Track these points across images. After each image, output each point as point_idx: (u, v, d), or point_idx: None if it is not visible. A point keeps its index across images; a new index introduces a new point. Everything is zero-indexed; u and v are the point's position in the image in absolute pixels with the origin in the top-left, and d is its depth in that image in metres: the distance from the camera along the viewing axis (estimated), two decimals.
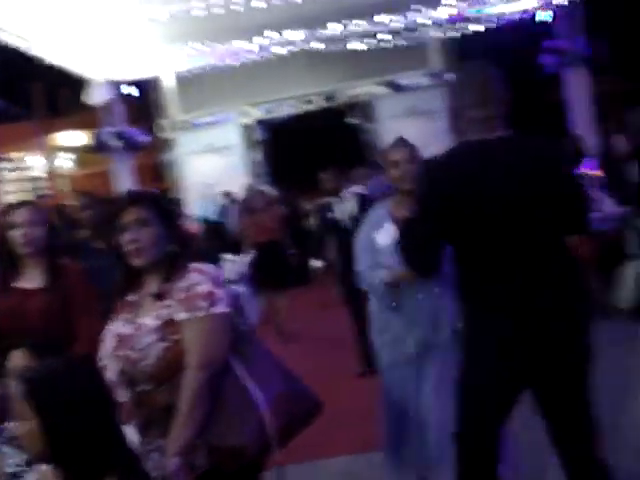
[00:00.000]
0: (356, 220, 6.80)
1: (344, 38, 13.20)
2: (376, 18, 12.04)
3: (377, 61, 15.51)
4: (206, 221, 14.05)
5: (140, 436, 2.53)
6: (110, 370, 2.50)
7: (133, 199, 2.68)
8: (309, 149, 18.69)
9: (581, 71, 13.33)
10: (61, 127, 23.01)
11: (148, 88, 16.75)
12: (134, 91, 14.64)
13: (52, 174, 23.38)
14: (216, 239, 12.26)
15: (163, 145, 17.51)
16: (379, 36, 13.66)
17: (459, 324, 3.09)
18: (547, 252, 2.84)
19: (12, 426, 2.77)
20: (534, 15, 13.09)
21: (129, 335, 2.57)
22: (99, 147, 14.13)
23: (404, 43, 14.47)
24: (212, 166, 16.95)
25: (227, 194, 15.20)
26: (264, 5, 9.18)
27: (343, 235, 7.01)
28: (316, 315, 10.19)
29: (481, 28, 13.89)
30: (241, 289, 9.18)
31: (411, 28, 13.16)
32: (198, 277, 2.56)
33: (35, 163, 23.23)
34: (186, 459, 2.40)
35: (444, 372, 3.54)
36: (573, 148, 9.86)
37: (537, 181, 2.79)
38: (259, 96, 16.79)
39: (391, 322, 3.83)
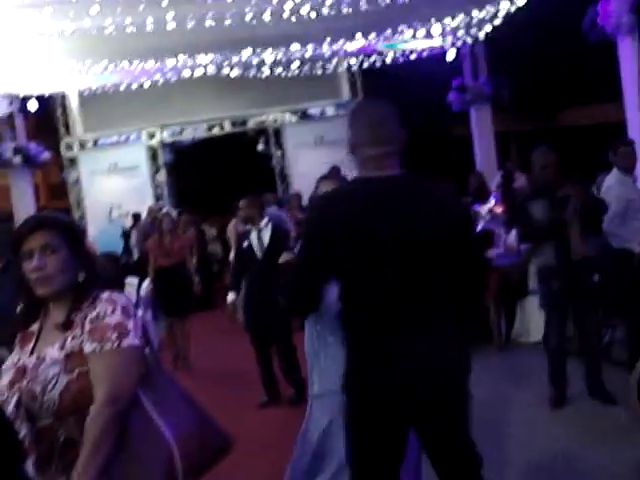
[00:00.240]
0: (268, 252, 6.76)
1: (256, 65, 13.20)
2: (290, 47, 12.06)
3: (288, 89, 15.60)
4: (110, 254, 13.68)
5: (38, 473, 2.38)
6: (10, 404, 2.35)
7: (39, 223, 2.52)
8: (215, 173, 18.58)
9: (484, 109, 13.77)
10: None
11: (52, 104, 16.32)
12: (35, 106, 14.15)
13: None
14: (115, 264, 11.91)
15: (66, 163, 17.02)
16: (293, 65, 13.73)
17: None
18: (428, 295, 2.81)
19: None
20: (445, 53, 13.45)
21: (31, 367, 2.42)
22: None
23: (316, 73, 14.60)
24: (116, 187, 16.61)
25: (135, 215, 14.82)
26: (178, 28, 9.02)
27: (255, 265, 6.94)
28: (218, 342, 10.04)
29: (392, 62, 14.14)
30: (141, 313, 8.95)
31: (323, 58, 13.28)
32: (107, 307, 2.43)
33: None
34: None
35: None
36: (477, 184, 10.17)
37: (425, 223, 2.77)
38: (166, 118, 16.58)
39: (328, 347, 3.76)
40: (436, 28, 11.52)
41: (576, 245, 5.75)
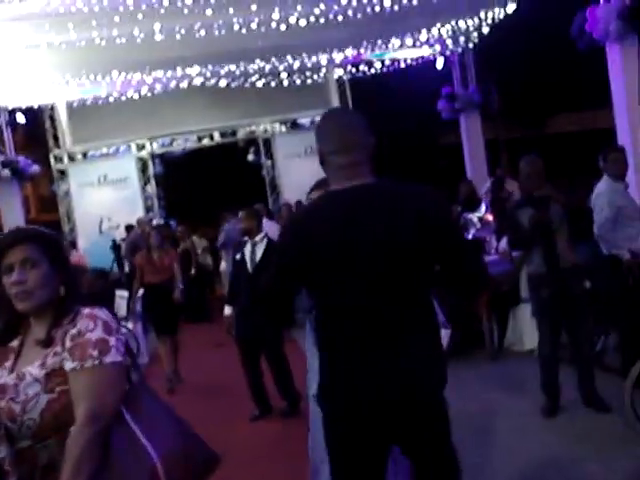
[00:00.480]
0: (259, 266, 6.71)
1: (244, 75, 13.19)
2: (277, 58, 12.06)
3: (277, 99, 15.61)
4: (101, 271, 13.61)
5: None
6: None
7: (19, 237, 2.46)
8: (205, 184, 18.57)
9: (474, 116, 13.79)
10: None
11: (40, 116, 16.28)
12: (24, 119, 14.12)
13: None
14: (106, 279, 11.84)
15: (55, 175, 16.96)
16: (282, 75, 13.73)
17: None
18: (406, 305, 2.75)
19: None
20: (434, 61, 13.47)
21: (10, 385, 2.36)
22: None
23: (305, 82, 14.61)
24: (106, 199, 16.57)
25: (128, 227, 14.70)
26: (166, 39, 9.00)
27: (245, 278, 6.89)
28: (212, 354, 9.97)
29: (381, 71, 14.16)
30: (131, 326, 8.88)
31: (312, 68, 13.28)
32: (89, 323, 2.36)
33: None
34: None
35: None
36: (467, 192, 10.16)
37: (402, 230, 2.70)
38: (156, 129, 16.55)
39: None
40: (424, 37, 11.52)
41: (564, 252, 5.74)
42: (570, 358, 6.14)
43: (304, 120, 16.60)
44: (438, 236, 2.74)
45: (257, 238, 6.88)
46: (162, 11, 7.82)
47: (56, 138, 16.73)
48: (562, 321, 5.90)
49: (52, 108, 16.15)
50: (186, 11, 7.91)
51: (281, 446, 6.19)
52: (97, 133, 16.19)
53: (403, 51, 12.87)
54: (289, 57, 11.65)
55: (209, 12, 8.10)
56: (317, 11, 8.84)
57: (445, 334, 3.20)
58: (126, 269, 13.37)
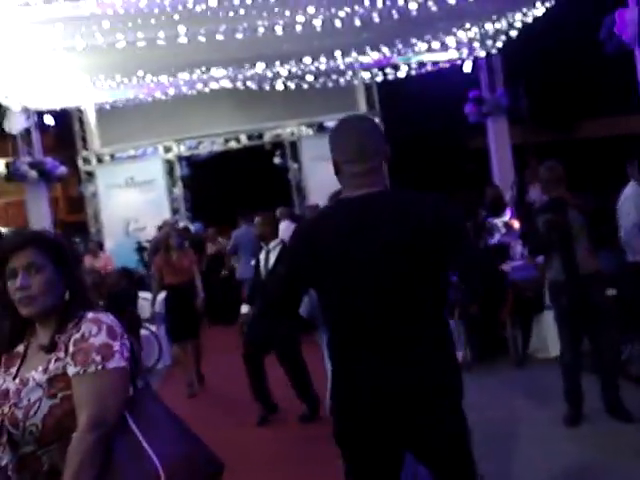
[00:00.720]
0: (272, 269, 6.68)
1: (270, 78, 13.20)
2: (304, 60, 12.05)
3: (304, 102, 15.61)
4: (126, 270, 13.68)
5: None
6: None
7: (23, 241, 2.44)
8: (232, 187, 18.60)
9: (501, 120, 13.67)
10: None
11: (69, 119, 16.44)
12: (53, 121, 14.28)
13: None
14: (131, 278, 11.90)
15: (83, 177, 17.11)
16: (308, 78, 13.72)
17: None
18: (416, 311, 2.72)
19: None
20: (461, 65, 13.38)
21: (13, 391, 2.35)
22: (13, 176, 13.69)
23: (331, 85, 14.59)
24: (133, 200, 16.67)
25: (160, 228, 14.74)
26: (190, 42, 9.02)
27: (259, 284, 6.89)
28: (235, 357, 9.95)
29: (408, 74, 14.09)
30: (154, 328, 8.91)
31: (338, 71, 13.26)
32: (92, 328, 2.34)
33: None
34: None
35: None
36: (492, 197, 10.06)
37: (408, 240, 2.67)
38: (183, 132, 16.63)
39: None
40: (451, 40, 11.44)
41: (584, 259, 5.64)
42: (594, 366, 6.03)
43: (331, 123, 16.48)
44: (448, 243, 2.71)
45: (272, 244, 6.88)
46: (186, 14, 7.83)
47: (84, 140, 16.87)
48: (584, 328, 5.81)
49: (81, 111, 16.27)
50: (209, 14, 7.93)
51: (301, 450, 6.16)
52: (125, 135, 16.31)
53: (430, 54, 12.79)
54: (315, 60, 11.61)
55: (232, 15, 8.09)
56: (342, 14, 8.80)
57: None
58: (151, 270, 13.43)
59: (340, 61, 12.06)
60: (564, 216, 5.61)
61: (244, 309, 7.12)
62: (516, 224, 8.80)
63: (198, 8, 7.78)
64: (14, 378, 2.40)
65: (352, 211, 2.75)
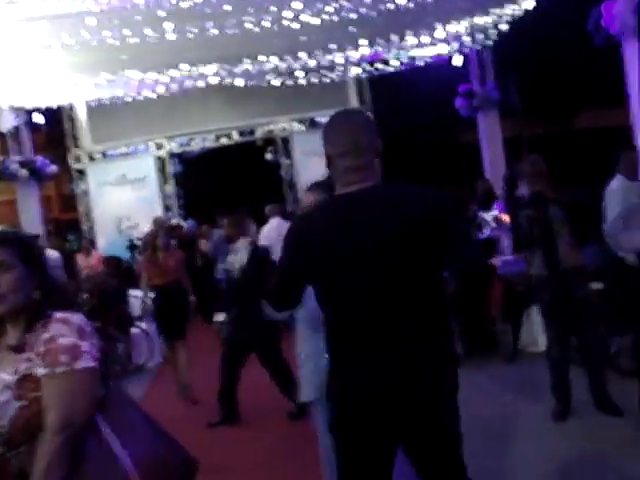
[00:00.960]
0: (248, 275, 6.70)
1: (263, 74, 13.16)
2: (294, 56, 12.00)
3: (295, 98, 15.57)
4: (114, 258, 13.64)
5: None
6: None
7: None
8: (224, 183, 18.57)
9: (492, 114, 13.65)
10: None
11: (60, 117, 16.38)
12: (43, 119, 14.23)
13: None
14: (120, 274, 11.84)
15: (75, 175, 17.06)
16: (297, 73, 13.67)
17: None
18: (413, 305, 2.73)
19: None
20: (450, 59, 13.34)
21: None
22: (3, 175, 13.64)
23: (322, 81, 14.54)
24: (125, 198, 16.62)
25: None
26: (178, 39, 8.97)
27: (233, 286, 6.89)
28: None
29: (399, 69, 14.06)
30: (145, 326, 8.86)
31: (329, 67, 13.22)
32: (61, 328, 2.32)
33: None
34: None
35: None
36: (483, 191, 10.05)
37: (406, 234, 2.68)
38: (175, 129, 16.58)
39: None
40: (441, 34, 11.40)
41: (566, 254, 5.63)
42: (581, 360, 6.03)
43: (322, 119, 16.44)
44: (445, 236, 2.74)
45: (240, 244, 6.92)
46: (172, 10, 7.78)
47: (75, 138, 16.80)
48: (569, 323, 5.80)
49: (71, 108, 16.21)
50: (197, 10, 7.89)
51: (287, 449, 6.15)
52: (116, 133, 16.26)
53: (420, 49, 12.76)
54: (305, 56, 11.56)
55: (221, 11, 8.04)
56: (330, 9, 8.76)
57: None
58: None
59: (330, 57, 12.01)
60: (545, 211, 5.60)
61: (218, 317, 7.13)
62: (506, 218, 8.77)
63: (184, 4, 7.73)
64: None
65: (343, 208, 2.76)
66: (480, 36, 12.07)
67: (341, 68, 13.78)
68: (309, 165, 16.09)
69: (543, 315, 5.97)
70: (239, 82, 13.36)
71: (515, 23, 11.67)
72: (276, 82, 13.65)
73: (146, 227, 14.02)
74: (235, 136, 16.97)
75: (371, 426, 2.75)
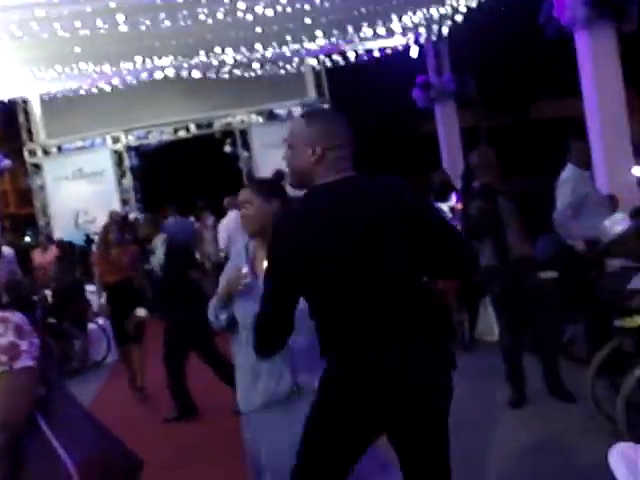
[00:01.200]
0: (166, 271, 6.67)
1: (219, 66, 13.06)
2: (250, 47, 11.91)
3: (253, 90, 15.50)
4: (67, 243, 13.40)
5: None
6: None
7: None
8: (182, 176, 18.46)
9: (449, 105, 13.72)
10: None
11: (14, 110, 16.12)
12: None
13: None
14: (74, 261, 11.60)
15: (30, 169, 16.81)
16: (255, 65, 13.60)
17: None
18: (401, 298, 2.76)
19: None
20: (407, 51, 13.36)
21: None
22: None
23: (280, 73, 14.50)
24: (82, 192, 16.44)
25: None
26: (131, 30, 8.84)
27: (155, 285, 6.88)
28: None
29: (356, 61, 14.05)
30: (102, 322, 8.72)
31: (285, 58, 13.17)
32: None
33: None
34: None
35: None
36: (439, 181, 10.10)
37: (390, 222, 2.74)
38: (132, 122, 16.41)
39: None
40: (397, 26, 11.42)
41: (515, 244, 5.69)
42: (535, 348, 6.10)
43: (281, 111, 16.50)
44: (425, 225, 2.80)
45: (157, 242, 6.90)
46: (125, 1, 7.65)
47: (30, 132, 16.55)
48: (520, 312, 5.86)
49: (25, 102, 15.96)
50: (148, 1, 7.78)
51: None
52: (71, 126, 16.04)
53: (377, 41, 12.77)
54: (260, 47, 11.49)
55: (173, 2, 7.95)
56: (284, 0, 8.72)
57: None
58: None
59: (287, 48, 11.96)
60: (494, 203, 5.64)
61: (140, 312, 7.12)
62: (459, 207, 8.84)
63: None
64: None
65: (338, 195, 2.79)
66: (436, 27, 12.11)
67: (298, 60, 13.73)
68: (268, 157, 16.03)
69: (494, 305, 6.03)
70: (196, 74, 13.25)
71: (470, 15, 11.70)
72: (233, 74, 13.54)
73: (103, 221, 13.90)
74: (193, 129, 16.86)
75: (355, 419, 2.76)
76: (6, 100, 13.97)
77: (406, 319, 2.75)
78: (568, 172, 6.36)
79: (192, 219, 14.22)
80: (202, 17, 8.60)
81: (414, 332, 2.76)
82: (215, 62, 12.17)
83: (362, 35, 11.85)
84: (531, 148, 21.04)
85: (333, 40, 11.75)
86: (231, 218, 11.30)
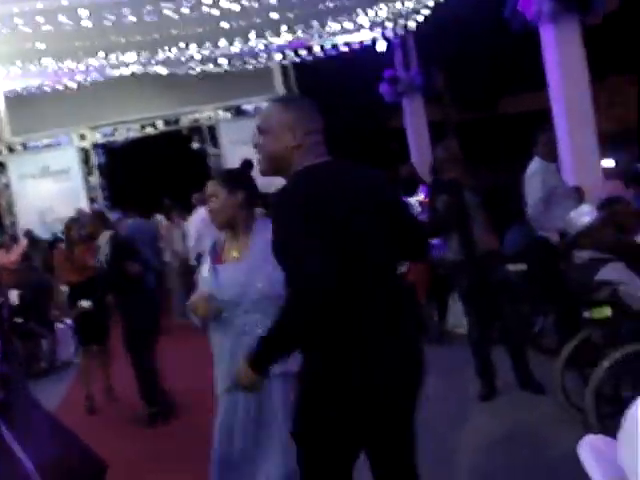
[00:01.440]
0: (110, 265, 6.62)
1: (185, 62, 12.94)
2: (219, 43, 11.82)
3: (220, 86, 15.38)
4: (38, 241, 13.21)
5: None
6: None
7: None
8: (150, 174, 18.31)
9: (417, 99, 13.74)
10: None
11: None
12: None
13: None
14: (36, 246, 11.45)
15: None
16: (222, 61, 13.49)
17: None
18: (381, 290, 2.74)
19: None
20: (374, 45, 13.35)
21: None
22: None
23: (248, 68, 14.41)
24: (48, 191, 16.22)
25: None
26: (95, 25, 8.72)
27: (103, 282, 6.85)
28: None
29: (324, 56, 14.01)
30: (69, 321, 8.55)
31: (252, 54, 13.09)
32: None
33: None
34: None
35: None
36: (407, 175, 10.12)
37: (367, 215, 2.75)
38: (98, 119, 16.22)
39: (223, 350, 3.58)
40: (364, 20, 11.39)
41: (481, 238, 5.71)
42: (504, 341, 6.13)
43: (248, 106, 16.40)
44: (397, 220, 2.87)
45: (101, 240, 6.85)
46: None
47: None
48: (488, 305, 5.88)
49: None
50: None
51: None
52: (37, 123, 15.79)
53: (344, 35, 12.74)
54: (226, 43, 11.40)
55: None
56: None
57: None
58: None
59: (253, 44, 11.88)
60: (460, 197, 5.66)
61: (83, 303, 7.06)
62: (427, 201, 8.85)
63: None
64: None
65: (330, 175, 2.78)
66: (403, 22, 12.10)
67: (265, 55, 13.66)
68: (236, 154, 15.89)
69: (462, 299, 6.05)
70: (162, 70, 13.12)
71: (437, 9, 11.71)
72: (199, 70, 13.43)
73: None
74: (160, 125, 16.69)
75: (355, 417, 2.72)
76: None
77: (388, 314, 2.74)
78: (535, 165, 6.39)
79: (160, 217, 14.08)
80: (167, 12, 8.50)
81: (396, 328, 2.74)
82: (182, 58, 12.06)
83: (329, 30, 11.81)
84: (500, 142, 21.14)
85: (299, 35, 11.69)
86: (199, 215, 11.23)
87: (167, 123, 16.69)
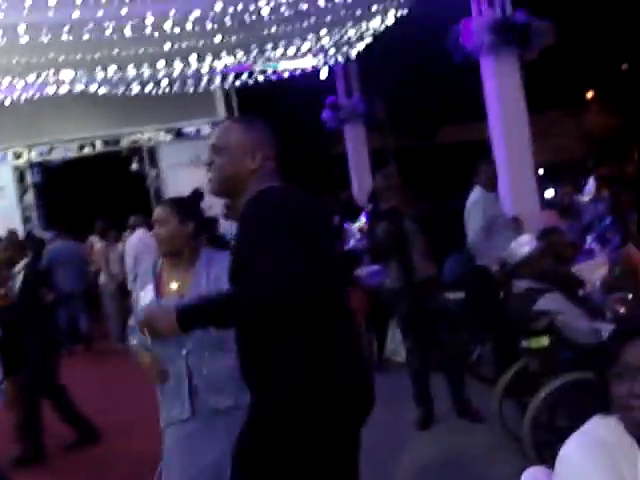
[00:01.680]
0: (24, 297, 6.39)
1: (125, 82, 12.77)
2: (157, 65, 11.69)
3: (162, 107, 15.22)
4: None
5: None
6: None
7: None
8: (88, 195, 17.99)
9: (358, 126, 13.83)
10: None
11: None
12: None
13: None
14: None
15: None
16: (164, 82, 13.36)
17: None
18: (341, 311, 2.80)
19: None
20: (318, 72, 13.41)
21: None
22: None
23: (188, 91, 14.30)
24: None
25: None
26: (31, 42, 8.52)
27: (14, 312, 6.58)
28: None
29: (266, 81, 14.02)
30: None
31: (193, 76, 13.01)
32: None
33: None
34: None
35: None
36: (346, 202, 10.15)
37: (329, 232, 2.94)
38: (35, 137, 15.87)
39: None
40: (306, 47, 11.43)
41: (420, 265, 5.75)
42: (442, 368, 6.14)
43: (189, 129, 16.30)
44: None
45: (17, 268, 6.52)
46: (25, 11, 7.34)
47: None
48: (426, 333, 5.90)
49: None
50: (52, 14, 7.50)
51: None
52: None
53: (286, 62, 12.75)
54: (167, 64, 11.28)
55: (76, 14, 7.69)
56: (192, 17, 8.58)
57: None
58: None
59: (195, 66, 11.79)
60: (399, 224, 5.69)
61: None
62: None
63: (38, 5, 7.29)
64: None
65: (298, 196, 2.76)
66: (345, 49, 12.19)
67: (206, 78, 13.57)
68: (176, 176, 15.81)
69: (400, 326, 6.07)
70: (102, 90, 12.91)
71: (380, 38, 11.84)
72: (139, 91, 13.25)
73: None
74: (99, 146, 16.43)
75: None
76: None
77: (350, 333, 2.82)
78: (476, 194, 6.47)
79: (94, 239, 13.74)
80: (109, 32, 8.38)
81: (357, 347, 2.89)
82: (120, 78, 11.89)
83: (271, 55, 11.81)
84: (438, 170, 21.44)
85: (240, 59, 11.66)
86: (138, 236, 11.04)
87: (106, 143, 16.44)
